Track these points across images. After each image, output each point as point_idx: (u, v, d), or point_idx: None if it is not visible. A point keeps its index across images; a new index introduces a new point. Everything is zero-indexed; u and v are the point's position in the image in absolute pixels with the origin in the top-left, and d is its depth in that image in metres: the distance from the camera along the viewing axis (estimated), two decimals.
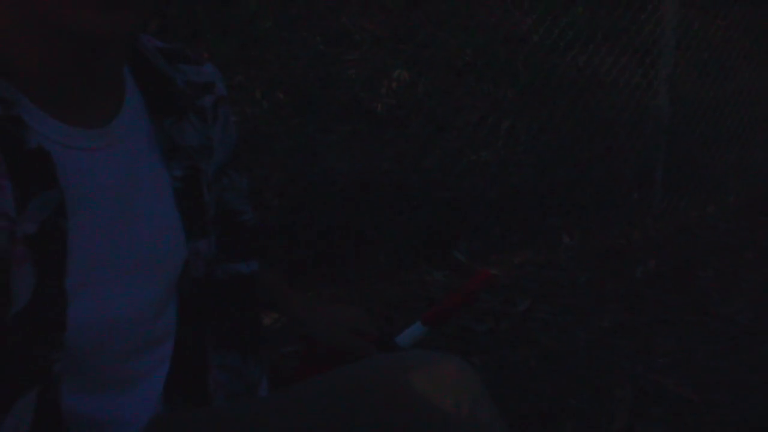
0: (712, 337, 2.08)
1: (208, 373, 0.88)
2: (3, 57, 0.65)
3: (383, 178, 2.73)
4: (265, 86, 3.25)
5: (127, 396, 0.79)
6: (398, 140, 3.14)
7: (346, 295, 2.02)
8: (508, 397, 1.59)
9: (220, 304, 0.91)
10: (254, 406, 0.88)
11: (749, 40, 4.14)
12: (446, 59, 4.04)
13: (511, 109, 3.55)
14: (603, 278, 2.42)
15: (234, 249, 0.92)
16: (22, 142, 0.65)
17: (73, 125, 0.70)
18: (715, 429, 1.60)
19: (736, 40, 3.90)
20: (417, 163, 2.96)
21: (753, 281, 2.59)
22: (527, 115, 3.49)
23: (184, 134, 0.80)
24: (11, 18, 0.64)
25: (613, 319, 2.10)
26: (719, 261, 2.73)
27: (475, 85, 3.83)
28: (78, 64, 0.67)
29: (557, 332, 1.95)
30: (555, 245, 2.67)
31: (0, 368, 0.63)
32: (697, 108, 3.34)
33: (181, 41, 2.44)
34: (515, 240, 2.60)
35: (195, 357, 0.87)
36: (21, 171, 0.65)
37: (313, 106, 3.25)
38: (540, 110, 3.63)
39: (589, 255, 2.64)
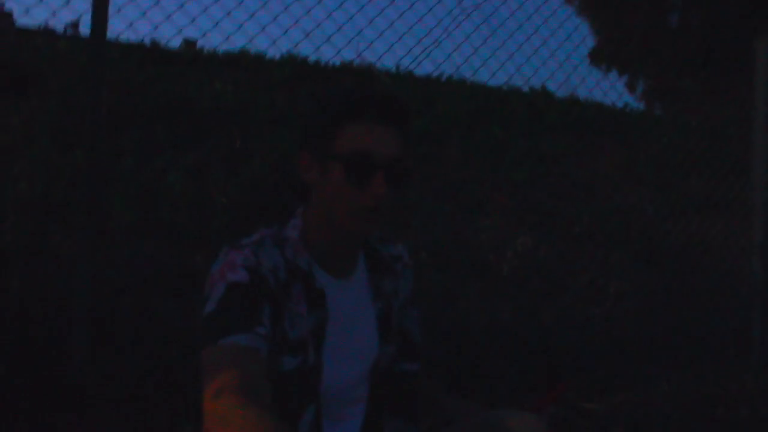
0: None
1: (383, 428, 1.47)
2: (307, 239, 1.34)
3: (506, 327, 3.30)
4: (411, 247, 3.95)
5: (343, 427, 1.39)
6: (520, 297, 3.70)
7: None
8: None
9: (394, 387, 1.51)
10: None
11: None
12: (565, 226, 4.63)
13: (619, 271, 4.05)
14: (695, 418, 2.81)
15: (405, 354, 1.54)
16: (313, 284, 1.32)
17: (333, 276, 1.37)
18: None
19: None
20: (535, 317, 3.50)
21: None
22: (634, 277, 3.99)
23: (385, 285, 1.46)
24: (316, 220, 1.33)
25: None
26: None
27: (589, 250, 4.38)
28: (344, 244, 1.35)
29: None
30: (653, 390, 3.09)
31: (298, 395, 1.27)
32: None
33: None
34: (617, 384, 3.05)
35: (376, 416, 1.46)
36: (310, 299, 1.31)
37: (449, 265, 3.90)
38: (647, 272, 4.11)
39: (684, 399, 3.03)
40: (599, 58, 10.13)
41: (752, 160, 3.56)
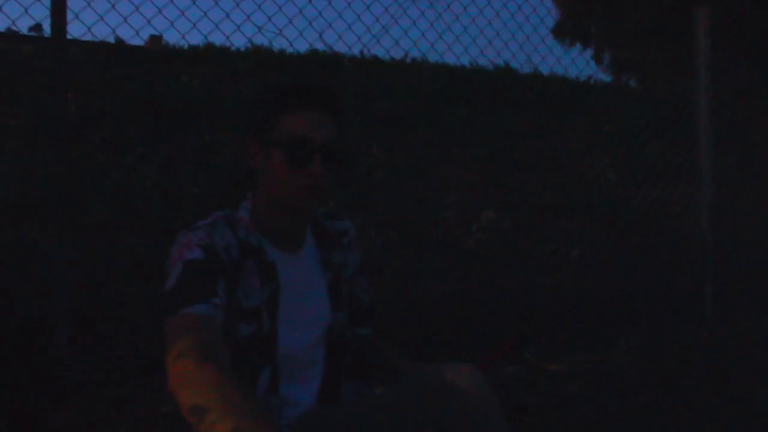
0: (731, 417, 2.60)
1: (339, 387, 1.62)
2: (257, 219, 1.48)
3: (471, 296, 3.46)
4: (378, 227, 4.10)
5: (301, 388, 1.53)
6: (485, 268, 3.87)
7: None
8: None
9: (348, 350, 1.66)
10: (360, 405, 1.58)
11: None
12: (529, 199, 4.79)
13: (582, 239, 4.22)
14: (650, 371, 2.99)
15: (356, 319, 1.68)
16: (264, 259, 1.46)
17: (283, 252, 1.51)
18: None
19: None
20: (499, 286, 3.66)
21: None
22: (596, 243, 4.16)
23: (333, 257, 1.60)
24: (264, 201, 1.47)
25: (649, 399, 2.68)
26: (762, 360, 3.20)
27: (553, 220, 4.55)
28: (290, 221, 1.49)
29: (596, 406, 2.55)
30: (613, 350, 3.26)
31: (255, 358, 1.41)
32: (741, 231, 3.90)
33: None
34: (578, 344, 3.22)
35: (333, 377, 1.61)
36: (262, 273, 1.45)
37: (416, 242, 4.05)
38: (608, 238, 4.29)
39: (643, 356, 3.21)
40: (562, 32, 10.30)
41: (697, 126, 3.73)
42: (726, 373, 3.01)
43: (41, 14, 4.89)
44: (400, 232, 4.06)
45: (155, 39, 6.73)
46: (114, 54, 5.41)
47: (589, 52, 11.09)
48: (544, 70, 7.14)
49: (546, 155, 5.59)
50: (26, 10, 2.72)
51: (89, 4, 2.42)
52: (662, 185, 4.94)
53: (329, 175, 1.43)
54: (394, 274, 3.48)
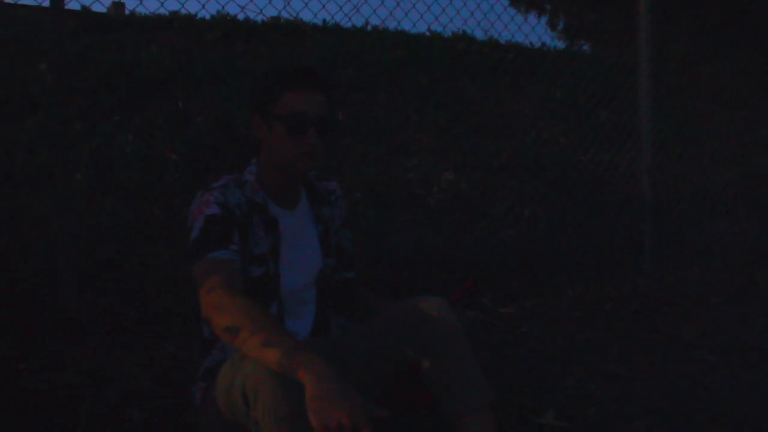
0: (659, 349, 2.99)
1: (329, 322, 1.93)
2: (261, 180, 1.76)
3: (433, 250, 3.79)
4: (346, 189, 4.39)
5: (299, 323, 1.84)
6: (445, 225, 4.20)
7: None
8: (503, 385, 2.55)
9: (336, 291, 1.97)
10: (346, 336, 1.90)
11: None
12: (486, 162, 5.12)
13: (533, 198, 4.58)
14: (593, 314, 3.37)
15: (343, 264, 1.99)
16: (268, 214, 1.75)
17: (283, 207, 1.80)
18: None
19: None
20: (459, 241, 4.00)
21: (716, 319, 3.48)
22: (546, 202, 4.52)
23: (323, 212, 1.90)
24: (267, 165, 1.75)
25: (590, 337, 3.05)
26: (688, 302, 3.61)
27: (507, 181, 4.90)
28: (289, 182, 1.78)
29: (545, 343, 2.92)
30: (561, 296, 3.64)
31: (264, 295, 1.71)
32: (677, 191, 4.30)
33: None
34: (529, 292, 3.59)
35: (323, 313, 1.92)
36: (267, 226, 1.75)
37: (382, 202, 4.36)
38: (558, 197, 4.66)
39: (586, 302, 3.59)
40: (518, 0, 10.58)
41: (639, 94, 4.08)
42: (657, 314, 3.41)
43: None
44: (367, 193, 4.36)
45: (118, 6, 6.82)
46: (82, 24, 5.54)
47: (545, 20, 11.43)
48: (507, 38, 7.38)
49: (501, 120, 5.92)
50: None
51: None
52: (607, 148, 5.32)
53: (322, 142, 1.72)
54: (363, 232, 3.78)
